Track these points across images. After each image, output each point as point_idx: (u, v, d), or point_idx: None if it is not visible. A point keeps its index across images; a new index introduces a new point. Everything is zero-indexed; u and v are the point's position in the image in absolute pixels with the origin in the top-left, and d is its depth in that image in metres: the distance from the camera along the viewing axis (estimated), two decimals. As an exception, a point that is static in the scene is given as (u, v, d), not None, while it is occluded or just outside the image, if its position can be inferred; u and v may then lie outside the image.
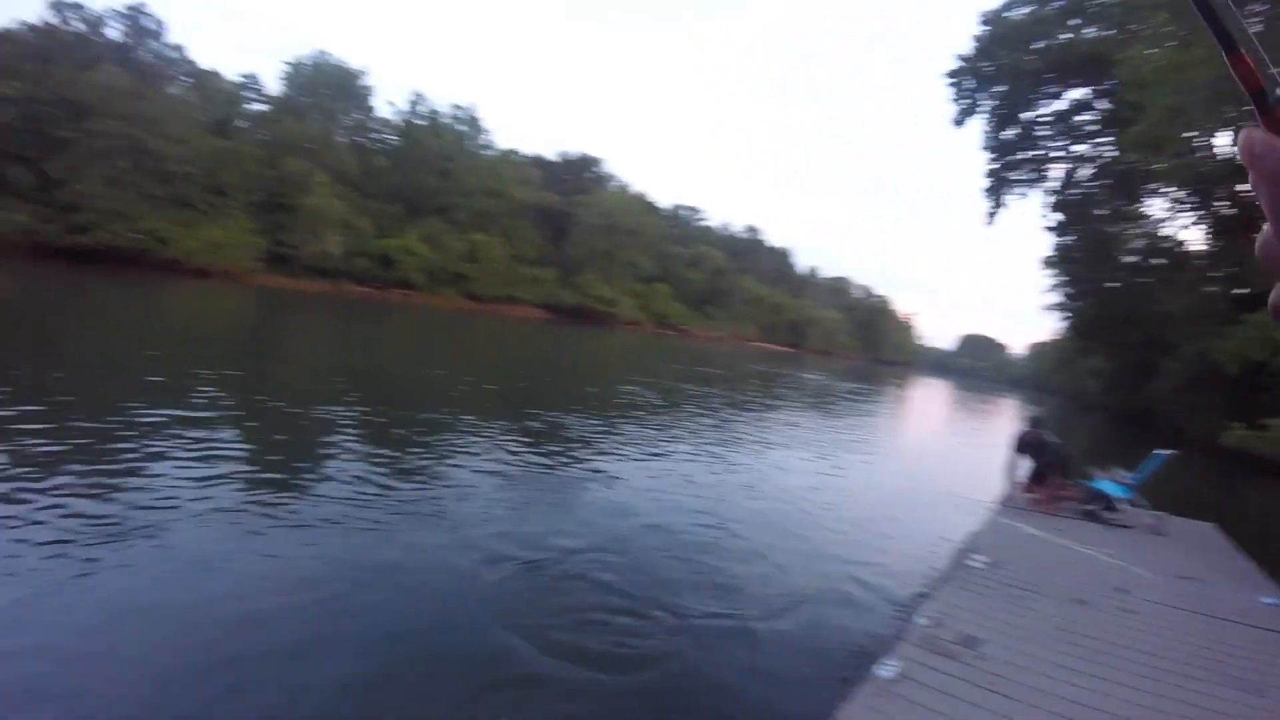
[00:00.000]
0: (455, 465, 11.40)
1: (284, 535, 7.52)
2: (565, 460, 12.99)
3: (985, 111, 52.59)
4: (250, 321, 37.32)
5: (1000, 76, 50.13)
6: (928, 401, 58.35)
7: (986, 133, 53.31)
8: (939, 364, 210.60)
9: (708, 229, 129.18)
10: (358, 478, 9.85)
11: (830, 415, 30.17)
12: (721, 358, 64.40)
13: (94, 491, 8.02)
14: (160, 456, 9.54)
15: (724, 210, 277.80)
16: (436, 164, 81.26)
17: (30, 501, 7.43)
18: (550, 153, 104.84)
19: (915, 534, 11.50)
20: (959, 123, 54.19)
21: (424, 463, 11.48)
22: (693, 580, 7.73)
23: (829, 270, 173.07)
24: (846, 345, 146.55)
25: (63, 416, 11.07)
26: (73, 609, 5.56)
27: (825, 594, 7.96)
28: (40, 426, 10.23)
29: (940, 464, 21.27)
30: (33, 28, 62.40)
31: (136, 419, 11.32)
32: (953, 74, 52.83)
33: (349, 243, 71.24)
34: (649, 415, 20.41)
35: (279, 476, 9.84)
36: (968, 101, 52.95)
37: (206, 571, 6.47)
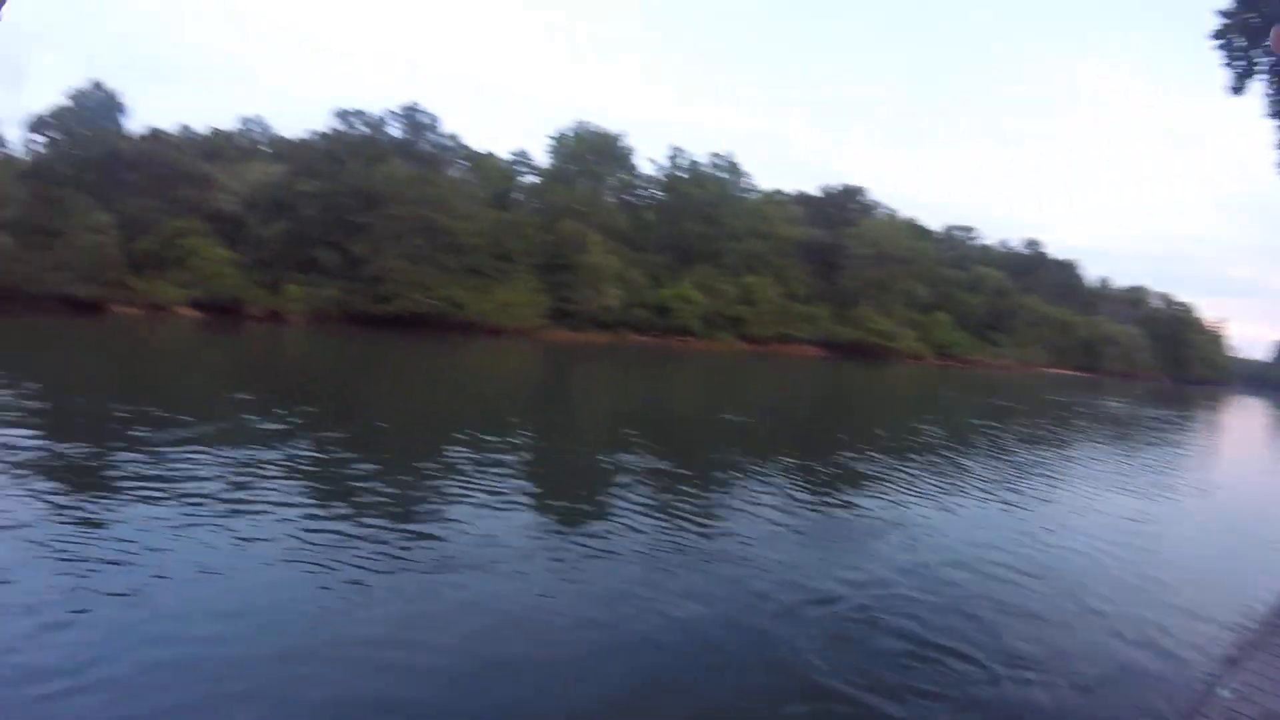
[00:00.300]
0: (741, 506, 11.28)
1: (586, 564, 8.17)
2: (852, 501, 12.58)
3: (1263, 71, 41.85)
4: (542, 374, 40.06)
5: (1268, 27, 39.65)
6: (1243, 427, 50.12)
7: (1269, 97, 42.40)
8: (1256, 378, 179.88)
9: (985, 248, 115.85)
10: (648, 516, 10.22)
11: (1132, 448, 26.90)
12: (1010, 387, 58.80)
13: (422, 523, 9.27)
14: (472, 493, 10.59)
15: (1000, 226, 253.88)
16: (702, 212, 77.82)
17: (371, 529, 8.71)
18: (812, 187, 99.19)
19: (1224, 590, 9.98)
20: (1237, 90, 43.48)
21: (712, 503, 11.55)
22: (982, 635, 7.14)
23: (1121, 279, 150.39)
24: (1147, 364, 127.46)
25: (395, 460, 12.93)
26: (417, 616, 6.60)
27: (1119, 655, 7.13)
28: (374, 468, 11.98)
29: (1255, 504, 18.74)
30: (323, 135, 69.53)
31: (451, 462, 12.71)
32: (1218, 34, 42.66)
33: (626, 295, 69.52)
34: (937, 454, 19.17)
35: (577, 509, 10.67)
36: (1241, 64, 42.32)
37: (520, 591, 7.32)
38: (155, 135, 71.30)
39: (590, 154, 75.47)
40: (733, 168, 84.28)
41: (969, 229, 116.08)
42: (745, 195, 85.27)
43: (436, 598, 6.84)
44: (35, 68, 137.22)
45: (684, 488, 12.27)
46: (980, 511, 12.71)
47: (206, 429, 13.88)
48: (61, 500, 9.25)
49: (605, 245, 69.13)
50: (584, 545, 8.71)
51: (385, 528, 8.78)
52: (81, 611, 6.27)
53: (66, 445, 12.50)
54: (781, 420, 25.24)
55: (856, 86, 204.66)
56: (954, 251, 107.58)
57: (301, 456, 12.12)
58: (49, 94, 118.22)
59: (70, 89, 69.60)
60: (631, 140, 78.81)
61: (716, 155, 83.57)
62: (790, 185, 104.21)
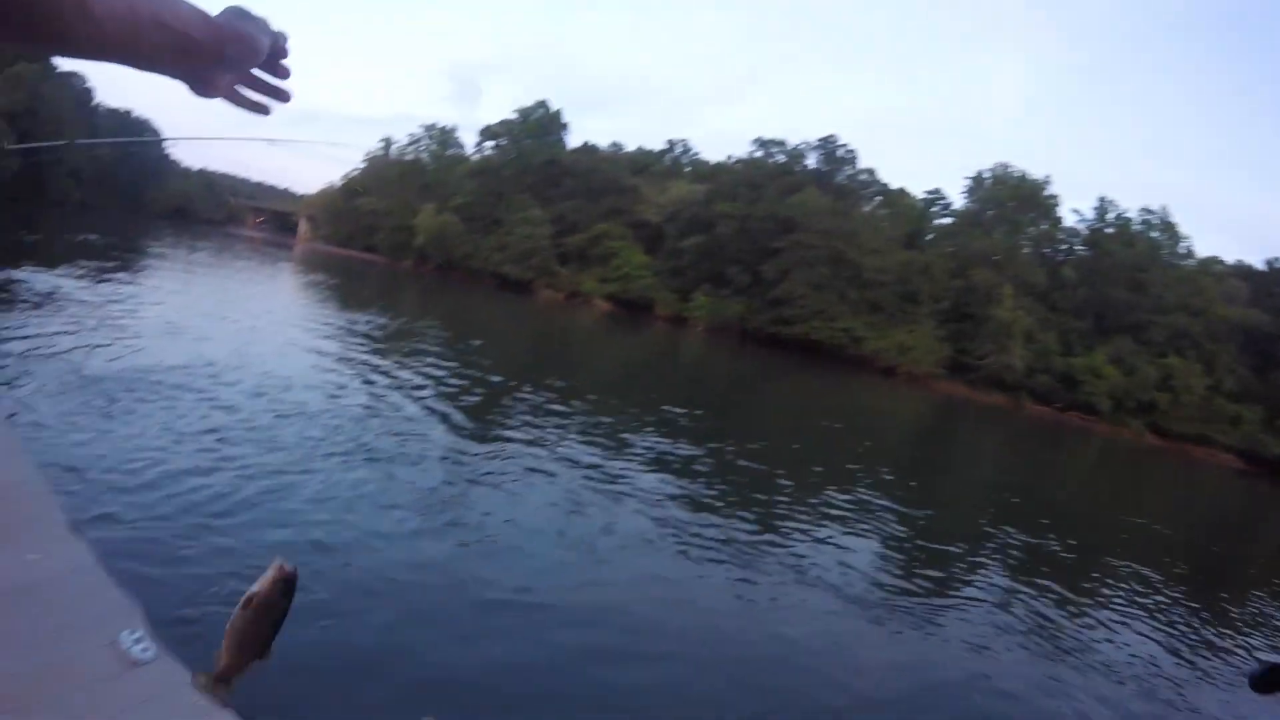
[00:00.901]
0: (1133, 622, 9.53)
1: (996, 639, 7.52)
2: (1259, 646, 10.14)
3: None
4: (937, 425, 37.08)
5: None
6: None
7: None
8: None
9: None
10: (1047, 601, 9.41)
11: None
12: None
13: (834, 551, 9.07)
14: (877, 531, 10.67)
15: None
16: (1127, 276, 64.48)
17: (789, 545, 8.85)
18: (1255, 258, 78.94)
19: None
20: None
21: (1086, 609, 9.82)
22: None
23: None
24: None
25: (806, 481, 13.18)
26: (833, 648, 6.48)
27: None
28: (790, 484, 12.40)
29: None
30: (742, 161, 70.93)
31: (860, 498, 12.48)
32: None
33: (1031, 357, 58.82)
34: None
35: (979, 577, 9.98)
36: None
37: (955, 658, 6.88)
38: (589, 149, 74.66)
39: (1010, 199, 65.82)
40: (1167, 227, 68.99)
41: None
42: (1178, 261, 69.77)
43: (861, 636, 6.87)
44: (490, 89, 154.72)
45: (1058, 584, 10.66)
46: None
47: (646, 417, 15.45)
48: (523, 453, 10.42)
49: (1017, 300, 59.27)
50: (918, 615, 7.87)
51: (801, 545, 8.99)
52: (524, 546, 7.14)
53: (512, 403, 14.36)
54: (1185, 536, 20.75)
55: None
56: None
57: (731, 462, 13.31)
58: (499, 110, 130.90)
59: (518, 106, 77.20)
60: (1056, 188, 67.49)
61: (1148, 211, 68.86)
62: (1229, 253, 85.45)
